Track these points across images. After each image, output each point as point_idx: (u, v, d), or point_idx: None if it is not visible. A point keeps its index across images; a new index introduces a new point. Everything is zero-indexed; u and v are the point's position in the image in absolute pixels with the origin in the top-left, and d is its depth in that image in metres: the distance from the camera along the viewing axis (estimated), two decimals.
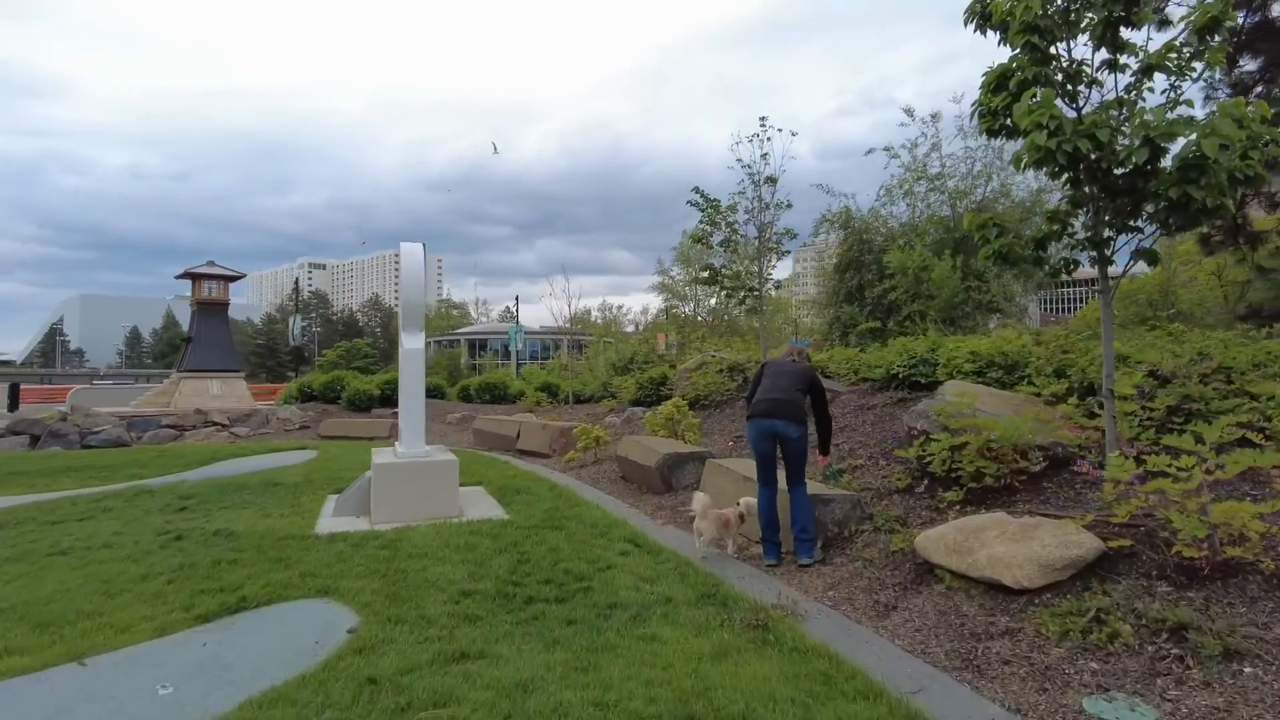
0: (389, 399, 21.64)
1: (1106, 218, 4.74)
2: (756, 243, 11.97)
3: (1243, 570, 3.93)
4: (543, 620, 4.46)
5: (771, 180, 11.73)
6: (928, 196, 20.46)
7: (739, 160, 11.80)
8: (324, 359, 49.54)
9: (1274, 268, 16.86)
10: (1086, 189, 4.83)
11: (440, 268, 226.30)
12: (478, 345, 66.43)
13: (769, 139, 11.72)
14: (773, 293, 12.39)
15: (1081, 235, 4.94)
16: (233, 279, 21.33)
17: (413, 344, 8.06)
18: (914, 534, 5.44)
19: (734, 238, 11.79)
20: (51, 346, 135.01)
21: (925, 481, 6.14)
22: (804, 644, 4.03)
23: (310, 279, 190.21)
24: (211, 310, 20.95)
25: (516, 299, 41.98)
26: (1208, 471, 4.08)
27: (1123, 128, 4.54)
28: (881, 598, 4.75)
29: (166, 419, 18.37)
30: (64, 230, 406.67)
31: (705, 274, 12.28)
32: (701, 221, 11.91)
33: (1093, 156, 4.51)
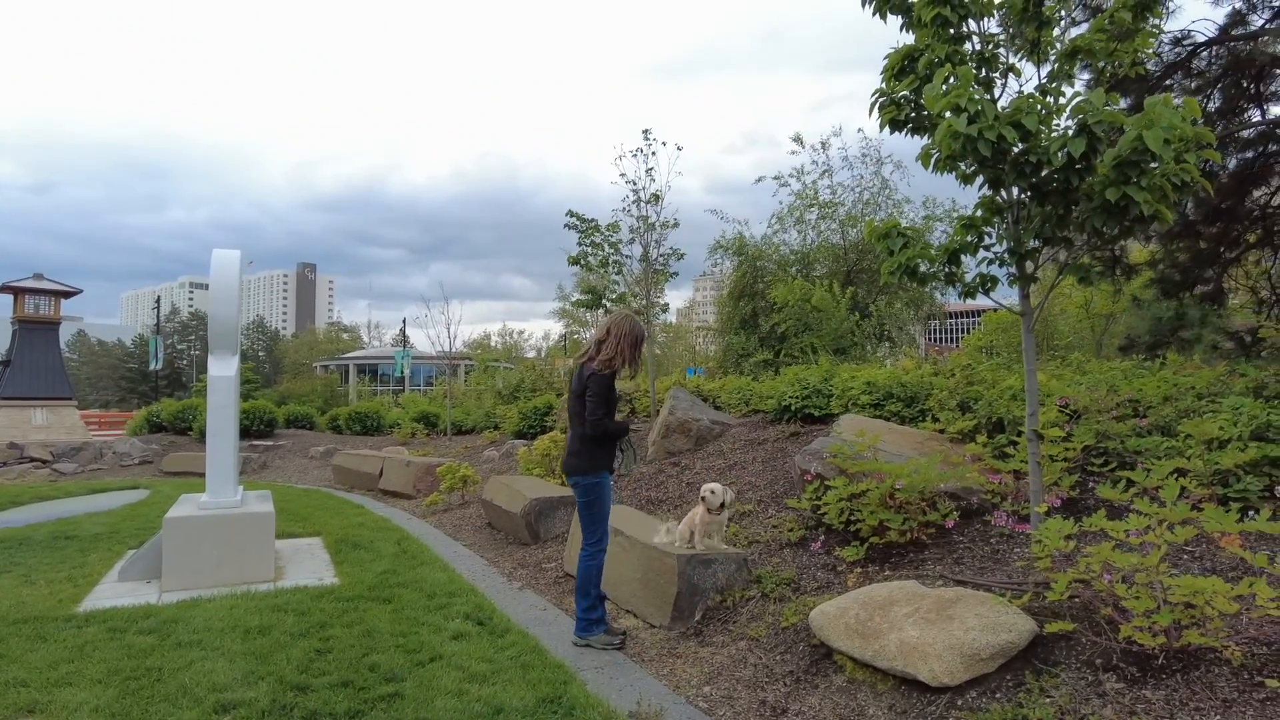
0: (247, 430, 19.56)
1: (1031, 225, 3.99)
2: (641, 264, 11.06)
3: (1204, 660, 3.15)
4: None
5: (656, 197, 10.88)
6: (819, 224, 20.30)
7: (622, 175, 10.91)
8: (201, 383, 45.87)
9: (1149, 299, 17.33)
10: (1007, 191, 4.08)
11: (332, 289, 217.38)
12: (367, 370, 63.39)
13: (654, 153, 10.90)
14: (662, 316, 11.48)
15: (1001, 247, 4.18)
16: (65, 295, 18.79)
17: (221, 370, 6.68)
18: (808, 602, 4.52)
19: (616, 258, 10.85)
20: None
21: (822, 536, 5.26)
22: None
23: (192, 299, 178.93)
24: (36, 329, 18.34)
25: (404, 321, 39.88)
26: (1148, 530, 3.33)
27: (1051, 119, 3.80)
28: (769, 695, 3.78)
29: None
30: None
31: (588, 297, 11.26)
32: (579, 243, 10.92)
33: (1017, 148, 3.75)
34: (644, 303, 10.85)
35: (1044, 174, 3.79)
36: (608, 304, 11.11)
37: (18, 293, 18.18)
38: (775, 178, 20.19)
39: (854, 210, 19.62)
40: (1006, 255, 4.16)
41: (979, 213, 4.21)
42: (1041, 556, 3.70)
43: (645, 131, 10.85)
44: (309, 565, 6.89)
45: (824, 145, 19.83)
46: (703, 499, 4.95)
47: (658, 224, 10.99)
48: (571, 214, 10.82)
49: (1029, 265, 4.17)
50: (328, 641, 4.57)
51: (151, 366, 38.26)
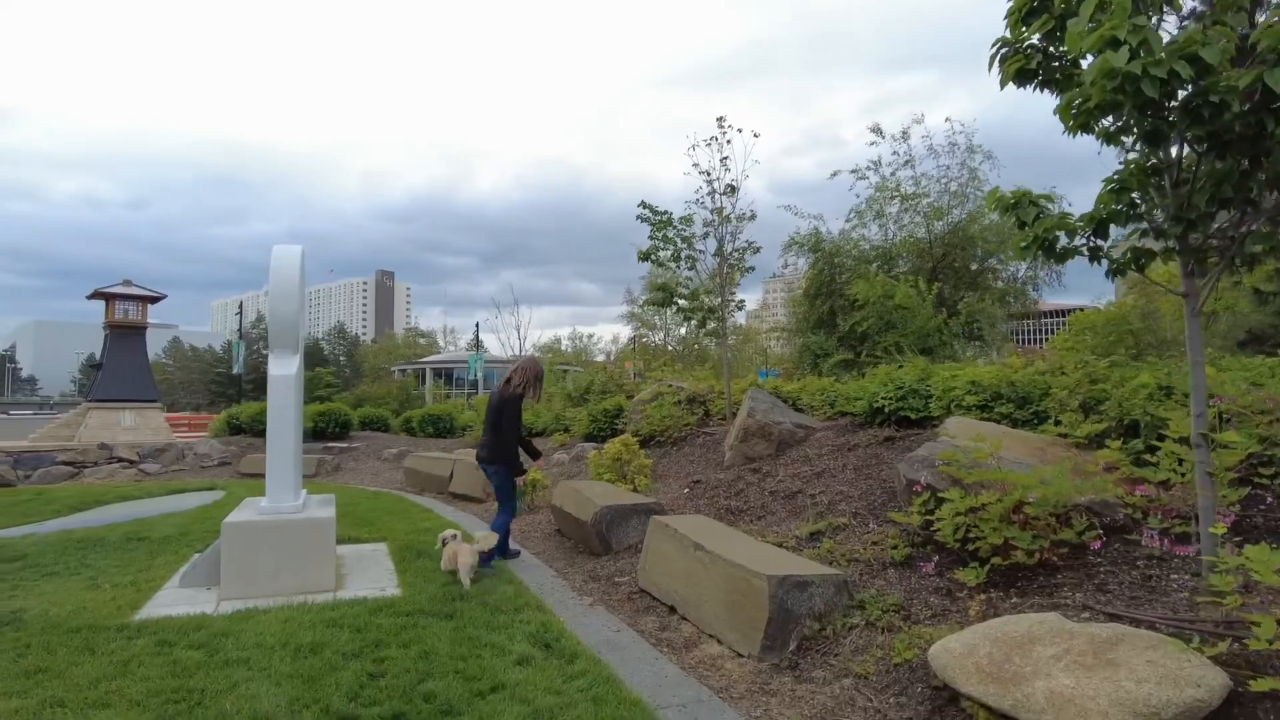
0: (322, 432, 19.78)
1: (1202, 185, 3.29)
2: (716, 259, 10.49)
3: None
4: None
5: (731, 188, 10.30)
6: (900, 217, 19.30)
7: (695, 165, 10.37)
8: None
9: (1273, 291, 15.85)
10: (1165, 149, 3.39)
11: (409, 296, 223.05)
12: (443, 374, 64.40)
13: (729, 141, 10.32)
14: (736, 314, 10.90)
15: (1161, 215, 3.49)
16: (152, 300, 19.34)
17: (282, 369, 6.41)
18: (923, 634, 3.90)
19: (689, 253, 10.30)
20: (2, 374, 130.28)
21: (935, 556, 4.60)
22: None
23: None
24: (125, 334, 18.89)
25: (477, 325, 40.24)
26: None
27: (1230, 50, 3.10)
28: None
29: (64, 455, 16.33)
30: (16, 257, 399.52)
31: (659, 294, 10.75)
32: (651, 236, 10.42)
33: (1187, 90, 3.07)
34: (720, 299, 10.29)
35: (1226, 118, 3.09)
36: (680, 302, 10.59)
37: (108, 298, 18.78)
38: (852, 171, 19.30)
39: (939, 202, 18.58)
40: (1169, 224, 3.46)
41: (1131, 174, 3.53)
42: (1226, 591, 3.00)
43: (719, 118, 10.30)
44: (371, 574, 6.58)
45: (905, 135, 18.85)
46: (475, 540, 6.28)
47: (733, 216, 10.42)
48: (644, 205, 10.35)
49: (1197, 235, 3.46)
50: (382, 664, 4.17)
51: (234, 370, 39.56)
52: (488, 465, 6.98)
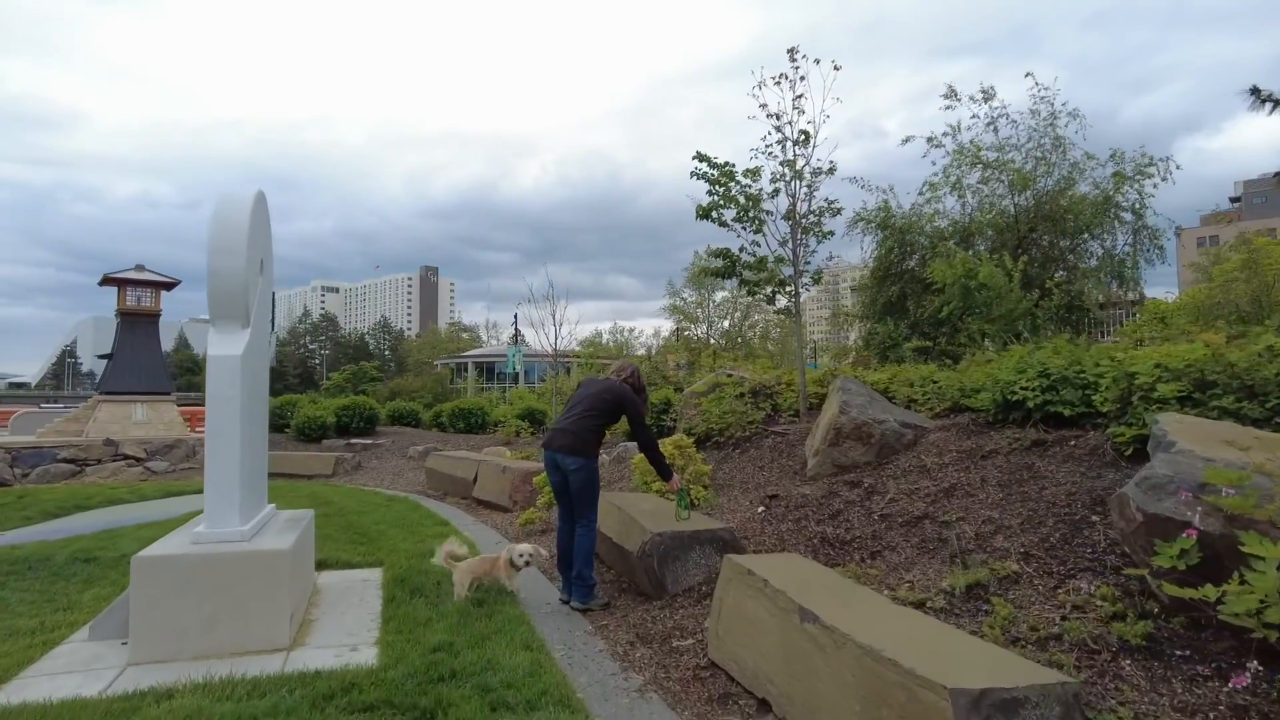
0: (346, 427, 18.39)
1: None
2: (787, 222, 8.64)
3: None
4: None
5: (805, 136, 8.44)
6: (980, 188, 17.15)
7: (763, 107, 8.53)
8: (331, 382, 47.18)
9: None
10: None
11: (453, 291, 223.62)
12: (485, 368, 63.68)
13: (803, 78, 8.46)
14: (809, 289, 8.99)
15: None
16: (166, 286, 18.10)
17: (225, 348, 4.76)
18: None
19: (755, 213, 8.44)
20: (64, 369, 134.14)
21: (1251, 659, 2.71)
22: None
23: (323, 302, 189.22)
24: (137, 322, 17.67)
25: (515, 317, 38.68)
26: None
27: None
28: None
29: (66, 451, 15.15)
30: (79, 257, 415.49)
31: (718, 262, 8.93)
32: (710, 193, 8.59)
33: None
34: (794, 269, 8.43)
35: None
36: (744, 272, 8.78)
37: (120, 284, 17.58)
38: (928, 139, 17.14)
39: (1023, 168, 16.39)
40: None
41: None
42: None
43: (791, 50, 8.47)
44: (348, 619, 4.94)
45: (985, 95, 16.67)
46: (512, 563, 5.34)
47: (807, 170, 8.57)
48: (700, 158, 8.53)
49: None
50: None
51: (270, 364, 38.94)
52: (567, 457, 5.30)
